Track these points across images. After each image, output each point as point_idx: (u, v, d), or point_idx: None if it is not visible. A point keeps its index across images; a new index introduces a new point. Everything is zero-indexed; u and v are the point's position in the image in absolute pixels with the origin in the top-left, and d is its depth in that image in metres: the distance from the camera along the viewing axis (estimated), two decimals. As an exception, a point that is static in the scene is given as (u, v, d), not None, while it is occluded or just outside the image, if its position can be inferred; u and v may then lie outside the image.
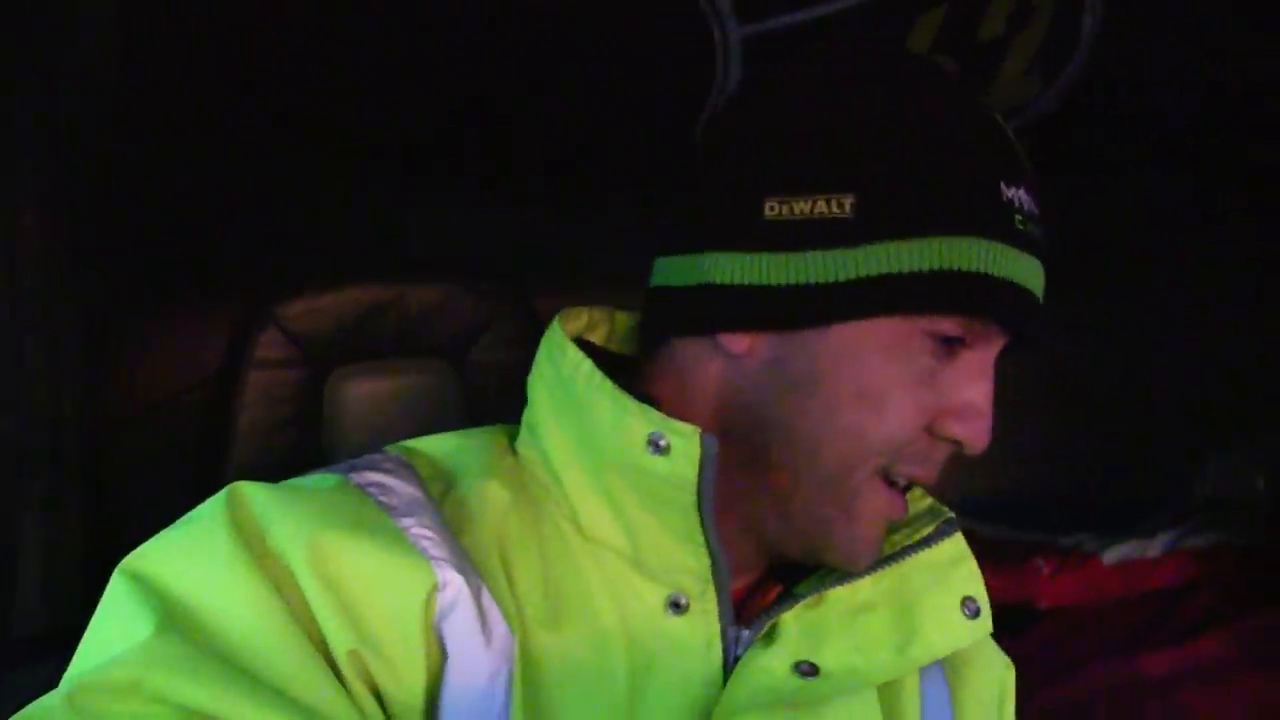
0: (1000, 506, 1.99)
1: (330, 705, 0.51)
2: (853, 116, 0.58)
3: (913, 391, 0.59)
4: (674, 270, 0.61)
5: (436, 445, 0.66)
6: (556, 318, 0.68)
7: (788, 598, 0.64)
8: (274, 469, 1.04)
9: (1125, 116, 1.73)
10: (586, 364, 0.61)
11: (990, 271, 0.57)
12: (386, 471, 0.61)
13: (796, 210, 0.56)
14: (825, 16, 1.28)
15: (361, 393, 1.04)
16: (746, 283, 0.58)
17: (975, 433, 0.60)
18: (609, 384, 0.60)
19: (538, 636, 0.58)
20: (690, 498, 0.58)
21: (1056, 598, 1.70)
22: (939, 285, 0.56)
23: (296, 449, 1.05)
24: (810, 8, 1.27)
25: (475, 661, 0.55)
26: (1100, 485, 2.08)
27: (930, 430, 0.60)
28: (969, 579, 0.68)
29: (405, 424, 1.07)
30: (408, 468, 0.63)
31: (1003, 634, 1.63)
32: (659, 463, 0.58)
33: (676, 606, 0.61)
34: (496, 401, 1.07)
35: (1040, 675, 1.51)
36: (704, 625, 0.61)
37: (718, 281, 0.58)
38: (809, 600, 0.64)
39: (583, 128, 1.40)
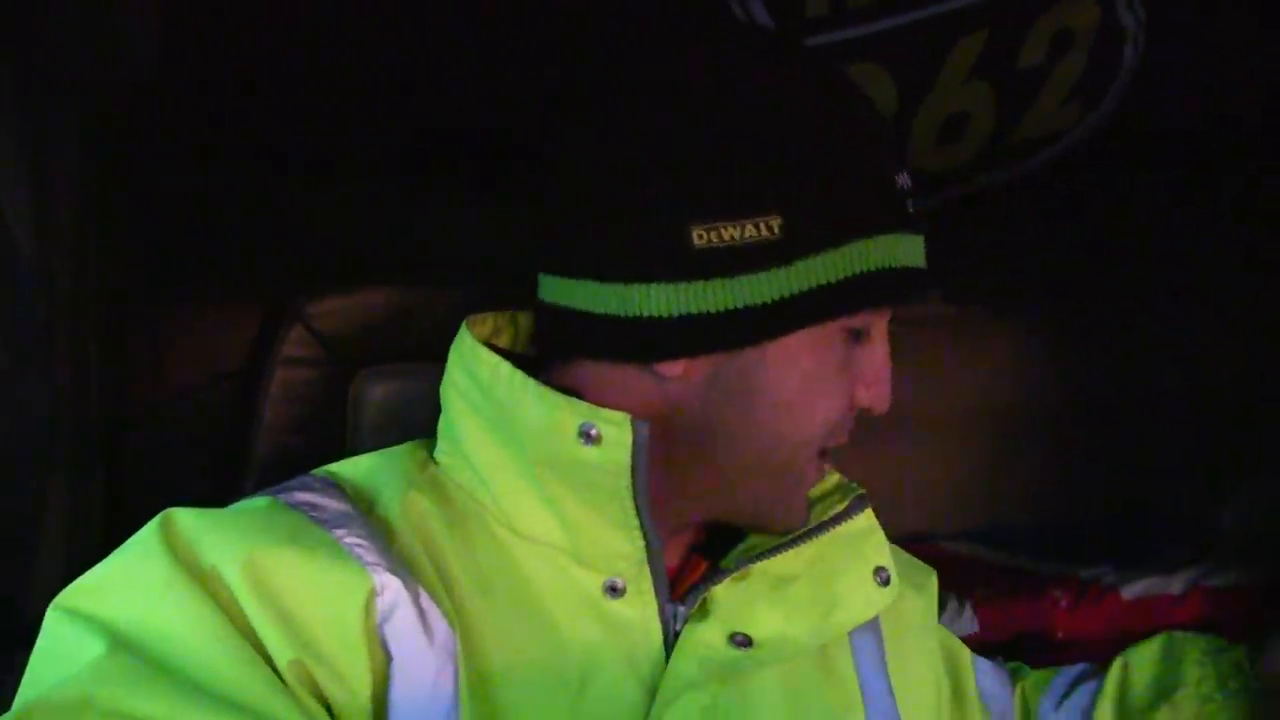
0: (1019, 535, 1.97)
1: (282, 713, 0.51)
2: (764, 134, 0.58)
3: (836, 382, 0.63)
4: (595, 297, 0.60)
5: (355, 467, 0.68)
6: (464, 324, 0.69)
7: (715, 572, 0.67)
8: (295, 467, 1.05)
9: (1160, 147, 1.72)
10: (504, 366, 0.62)
11: (897, 264, 0.61)
12: (314, 490, 0.63)
13: (725, 236, 0.57)
14: (865, 36, 1.28)
15: (386, 395, 1.05)
16: (681, 313, 0.58)
17: (882, 397, 0.66)
18: (531, 382, 0.61)
19: (479, 633, 0.59)
20: (624, 483, 0.59)
21: (1074, 630, 1.68)
22: (861, 287, 0.59)
23: (318, 448, 1.06)
24: (848, 28, 1.27)
25: (420, 662, 0.56)
26: (1122, 518, 2.06)
27: (852, 405, 0.66)
28: (879, 549, 0.72)
29: (428, 428, 1.07)
30: (334, 486, 0.64)
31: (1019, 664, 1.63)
32: (591, 452, 0.59)
33: (614, 590, 0.63)
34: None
35: (1054, 708, 1.50)
36: (641, 605, 0.63)
37: (651, 314, 0.58)
38: (736, 574, 0.67)
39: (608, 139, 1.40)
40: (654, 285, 0.58)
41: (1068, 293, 2.13)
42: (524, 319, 0.73)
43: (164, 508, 0.61)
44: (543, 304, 0.66)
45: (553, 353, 0.66)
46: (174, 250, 1.35)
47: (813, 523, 0.69)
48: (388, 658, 0.56)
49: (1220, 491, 2.02)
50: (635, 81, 0.61)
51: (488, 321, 0.71)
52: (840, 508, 0.71)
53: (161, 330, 1.41)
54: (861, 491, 0.73)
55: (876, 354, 0.64)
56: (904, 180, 0.62)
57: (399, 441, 1.10)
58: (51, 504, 1.00)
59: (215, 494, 1.07)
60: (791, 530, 0.68)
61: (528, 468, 0.62)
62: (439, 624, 0.57)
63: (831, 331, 0.61)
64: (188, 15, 1.10)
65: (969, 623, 1.65)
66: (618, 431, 0.58)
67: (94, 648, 0.51)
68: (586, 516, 0.61)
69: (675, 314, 0.58)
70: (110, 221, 1.12)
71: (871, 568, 0.71)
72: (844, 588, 0.69)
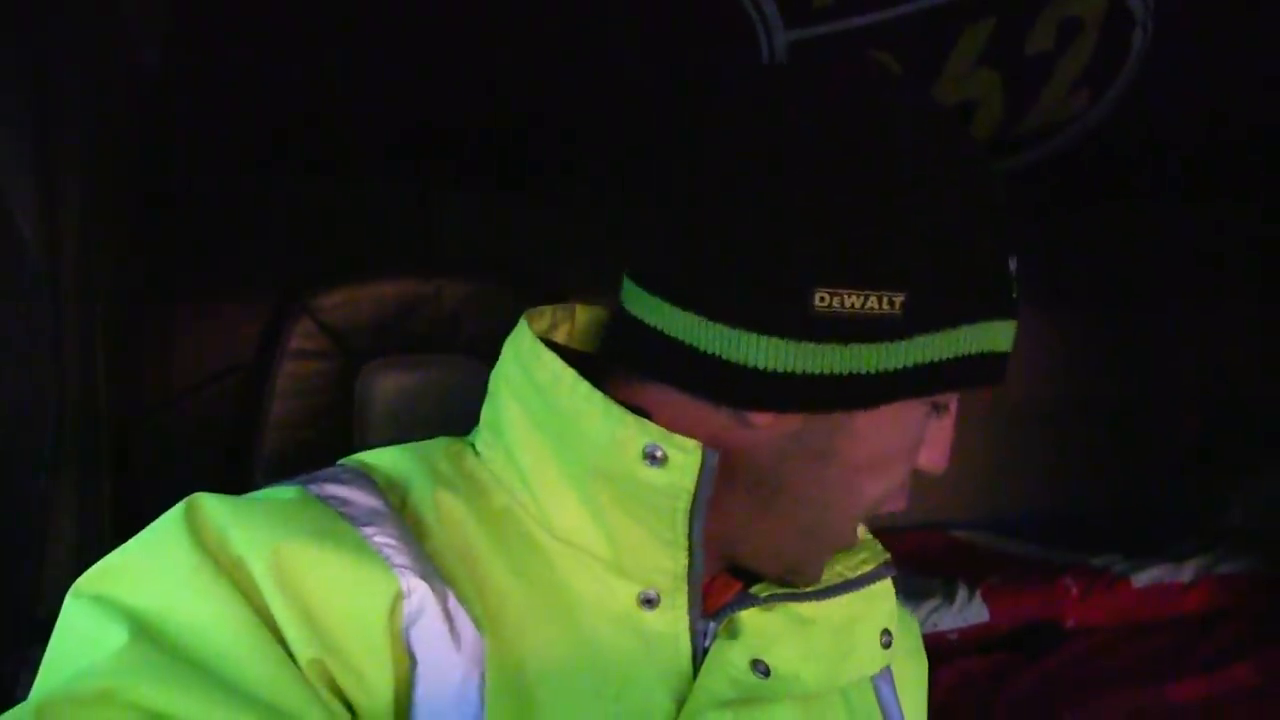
0: (1029, 524, 1.97)
1: (304, 710, 0.50)
2: (906, 209, 0.57)
3: (910, 451, 0.63)
4: (697, 332, 0.58)
5: (389, 458, 0.65)
6: (523, 318, 0.67)
7: (745, 597, 0.66)
8: (303, 459, 1.05)
9: (1169, 136, 1.71)
10: (569, 373, 0.60)
11: (998, 349, 0.61)
12: (344, 483, 0.61)
13: (847, 303, 0.56)
14: (873, 24, 1.27)
15: (393, 387, 1.04)
16: (787, 370, 0.57)
17: (940, 462, 0.65)
18: (599, 395, 0.59)
19: (508, 637, 0.58)
20: (684, 507, 0.59)
21: (1084, 618, 1.68)
22: (964, 369, 0.59)
23: (326, 440, 1.06)
24: (857, 15, 1.26)
25: (446, 667, 0.55)
26: (1131, 506, 2.06)
27: (908, 475, 0.65)
28: (890, 614, 0.73)
29: (435, 420, 1.07)
30: (365, 479, 0.62)
31: (1028, 652, 1.63)
32: (655, 474, 0.58)
33: (648, 602, 0.62)
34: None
35: (1065, 696, 1.50)
36: (674, 618, 0.62)
37: (756, 365, 0.57)
38: (764, 605, 0.66)
39: (621, 127, 1.40)
40: (766, 338, 0.57)
41: (1078, 287, 2.13)
42: (581, 314, 0.71)
43: (173, 501, 0.60)
44: (629, 316, 0.63)
45: (628, 367, 0.64)
46: (180, 246, 1.36)
47: (838, 579, 0.69)
48: (412, 662, 0.55)
49: (1230, 482, 2.02)
50: (784, 126, 0.58)
51: (545, 315, 0.69)
52: (867, 569, 0.71)
53: (169, 326, 1.41)
54: (888, 557, 0.73)
55: (946, 425, 0.65)
56: (1014, 265, 0.62)
57: (407, 432, 1.10)
58: (60, 501, 1.00)
59: (224, 489, 1.07)
60: (806, 586, 0.67)
61: (576, 474, 0.61)
62: (467, 629, 0.56)
63: (919, 406, 0.61)
64: (195, 12, 1.10)
65: (979, 611, 1.65)
66: (686, 458, 0.57)
67: (116, 637, 0.50)
68: (633, 531, 0.61)
69: (781, 370, 0.57)
70: (117, 219, 1.12)
71: (880, 629, 0.72)
72: (855, 643, 0.70)
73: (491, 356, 1.10)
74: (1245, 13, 1.42)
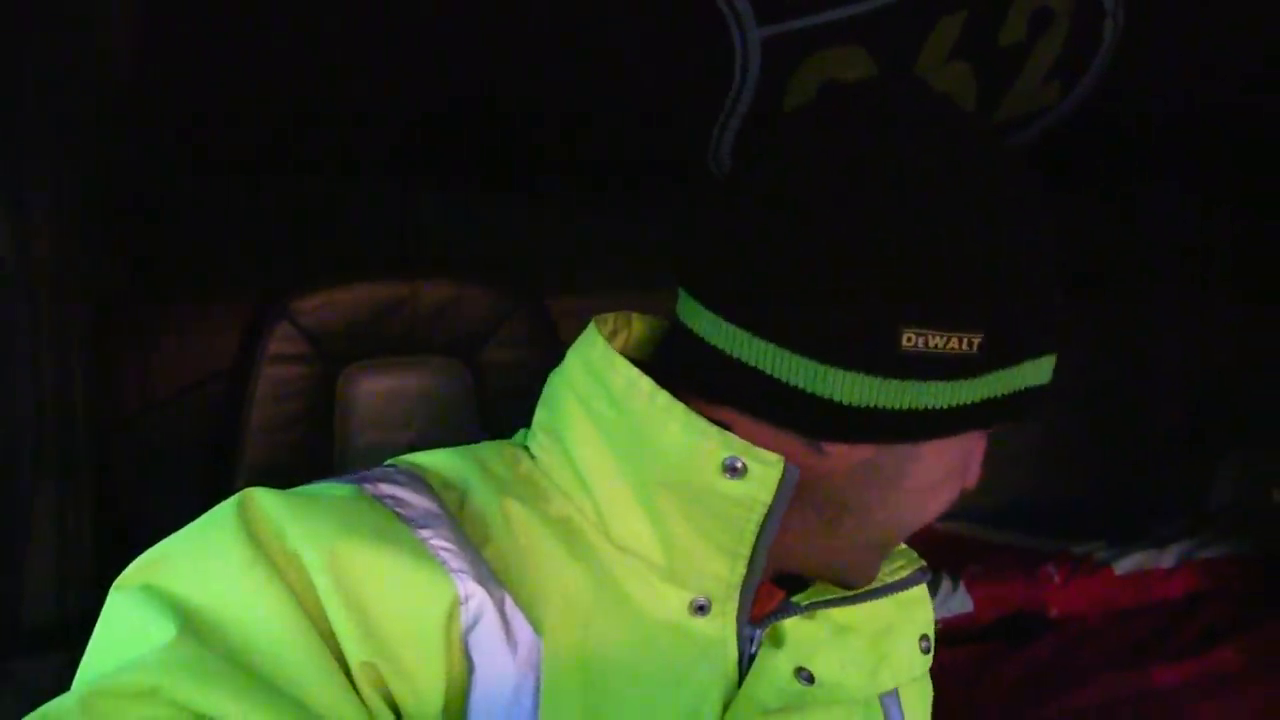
0: (1011, 512, 1.98)
1: (348, 718, 0.50)
2: (993, 254, 0.59)
3: (964, 471, 0.67)
4: (777, 362, 0.59)
5: (444, 460, 0.65)
6: (593, 323, 0.67)
7: (789, 606, 0.68)
8: (286, 464, 1.05)
9: (1142, 125, 1.72)
10: (646, 382, 0.61)
11: (1045, 382, 0.65)
12: (400, 484, 0.61)
13: (931, 343, 0.58)
14: (846, 19, 1.28)
15: (374, 389, 1.04)
16: (868, 405, 0.58)
17: (976, 476, 0.69)
18: (680, 406, 0.60)
19: (573, 638, 0.59)
20: (756, 519, 0.60)
21: (1067, 606, 1.69)
22: (1022, 401, 0.62)
23: (308, 445, 1.06)
24: (831, 10, 1.27)
25: (501, 672, 0.55)
26: (1113, 493, 2.07)
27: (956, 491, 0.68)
28: (927, 620, 0.76)
29: (417, 422, 1.07)
30: (419, 480, 0.62)
31: (1012, 641, 1.64)
32: (733, 485, 0.59)
33: (700, 609, 0.63)
34: (508, 400, 1.07)
35: (1050, 684, 1.51)
36: (722, 625, 0.63)
37: (837, 399, 0.58)
38: (806, 613, 0.68)
39: (597, 126, 1.40)
40: (849, 373, 0.58)
41: (1060, 276, 2.14)
42: (638, 324, 0.71)
43: (154, 510, 0.60)
44: (695, 336, 0.62)
45: (697, 389, 0.63)
46: (157, 251, 1.35)
47: (877, 583, 0.71)
48: (470, 667, 0.55)
49: (1211, 466, 2.04)
50: (879, 166, 0.58)
51: (608, 323, 0.69)
52: (904, 574, 0.73)
53: (147, 332, 1.40)
54: (923, 564, 0.76)
55: (984, 442, 0.68)
56: (1061, 300, 0.65)
57: (389, 434, 1.11)
58: (40, 509, 1.00)
59: (206, 495, 1.07)
60: (858, 588, 0.70)
61: (641, 481, 0.62)
62: (524, 633, 0.57)
63: (978, 433, 0.66)
64: (171, 12, 1.09)
65: (962, 601, 1.66)
66: (767, 470, 0.58)
67: (164, 630, 0.49)
68: (693, 540, 0.61)
69: (861, 404, 0.58)
70: (92, 224, 1.11)
71: (919, 634, 0.75)
72: (893, 648, 0.72)
73: (470, 357, 1.10)
74: (1216, 3, 1.43)
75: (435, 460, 0.65)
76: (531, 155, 1.45)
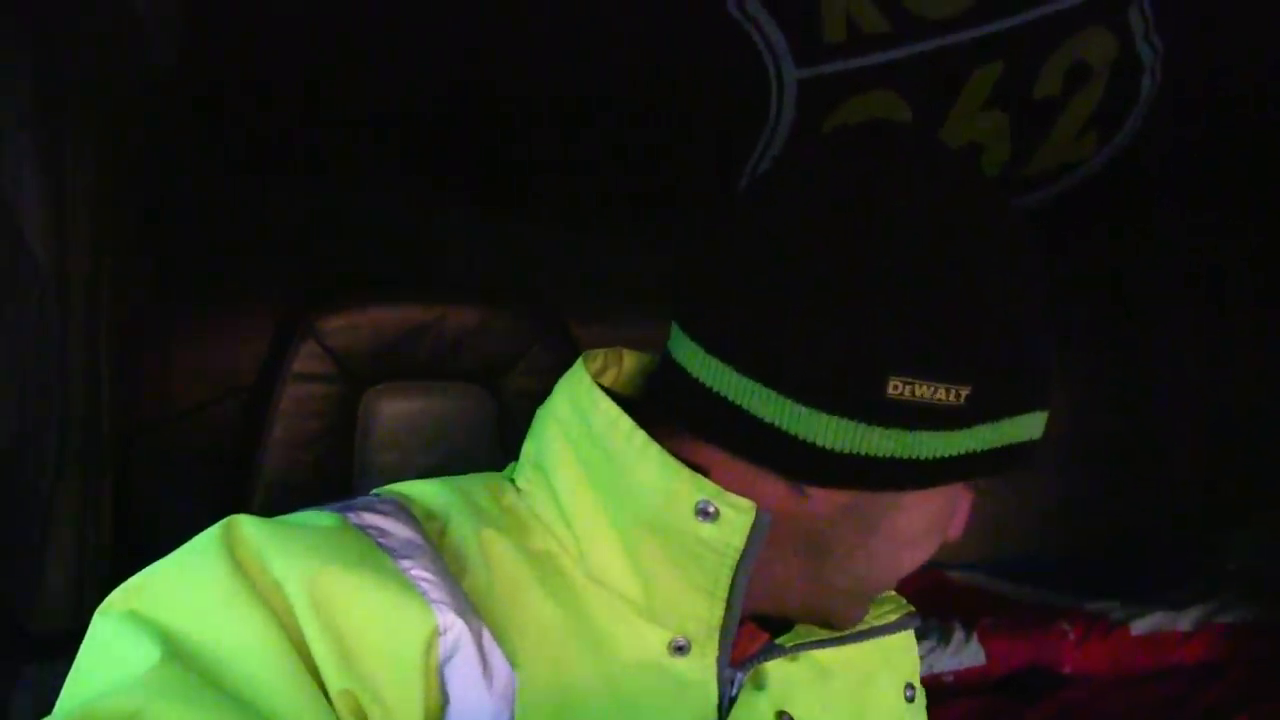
0: (1028, 566, 1.96)
1: None
2: (983, 307, 0.58)
3: (946, 525, 0.66)
4: (762, 402, 0.58)
5: (428, 490, 0.65)
6: (580, 359, 0.67)
7: (772, 648, 0.67)
8: (303, 481, 1.05)
9: (1172, 178, 1.72)
10: (625, 421, 0.61)
11: (1035, 437, 0.63)
12: (383, 514, 0.61)
13: (917, 393, 0.57)
14: (882, 64, 1.28)
15: (395, 412, 1.05)
16: (851, 451, 0.58)
17: (960, 533, 0.68)
18: (655, 448, 0.60)
19: (545, 673, 0.58)
20: (730, 563, 0.59)
21: (1081, 664, 1.67)
22: (1007, 455, 0.62)
23: (327, 463, 1.06)
24: (867, 55, 1.28)
25: (477, 705, 0.55)
26: (1130, 551, 2.05)
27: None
28: (913, 668, 0.76)
29: (437, 446, 1.07)
30: (404, 510, 0.62)
31: (1024, 696, 1.61)
32: (705, 528, 0.59)
33: (679, 650, 0.62)
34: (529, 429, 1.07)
35: (1061, 743, 1.49)
36: (702, 666, 0.62)
37: (821, 444, 0.58)
38: (789, 655, 0.67)
39: (633, 158, 1.41)
40: (834, 418, 0.57)
41: (1077, 325, 2.13)
42: (629, 360, 0.71)
43: (172, 520, 0.60)
44: (682, 371, 0.62)
45: (681, 423, 0.63)
46: (188, 263, 1.36)
47: (862, 626, 0.70)
48: (445, 699, 0.55)
49: (1229, 526, 2.01)
50: (876, 212, 0.59)
51: (597, 358, 0.69)
52: (891, 619, 0.72)
53: (174, 342, 1.41)
54: (912, 609, 0.74)
55: (968, 498, 0.67)
56: (1053, 358, 0.65)
57: (408, 457, 1.11)
58: (59, 515, 1.00)
59: (223, 507, 1.07)
60: (843, 630, 0.69)
61: (621, 519, 0.62)
62: (501, 666, 0.56)
63: (961, 485, 0.65)
64: (206, 26, 1.11)
65: (975, 654, 1.64)
66: (739, 516, 0.58)
67: (147, 656, 0.49)
68: (673, 580, 0.61)
69: (844, 449, 0.58)
70: (125, 234, 1.12)
71: (904, 682, 0.74)
72: (875, 694, 0.72)
73: (493, 384, 1.10)
74: (1252, 61, 1.43)
75: (420, 490, 0.65)
76: (567, 185, 1.46)
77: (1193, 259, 2.05)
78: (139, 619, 0.51)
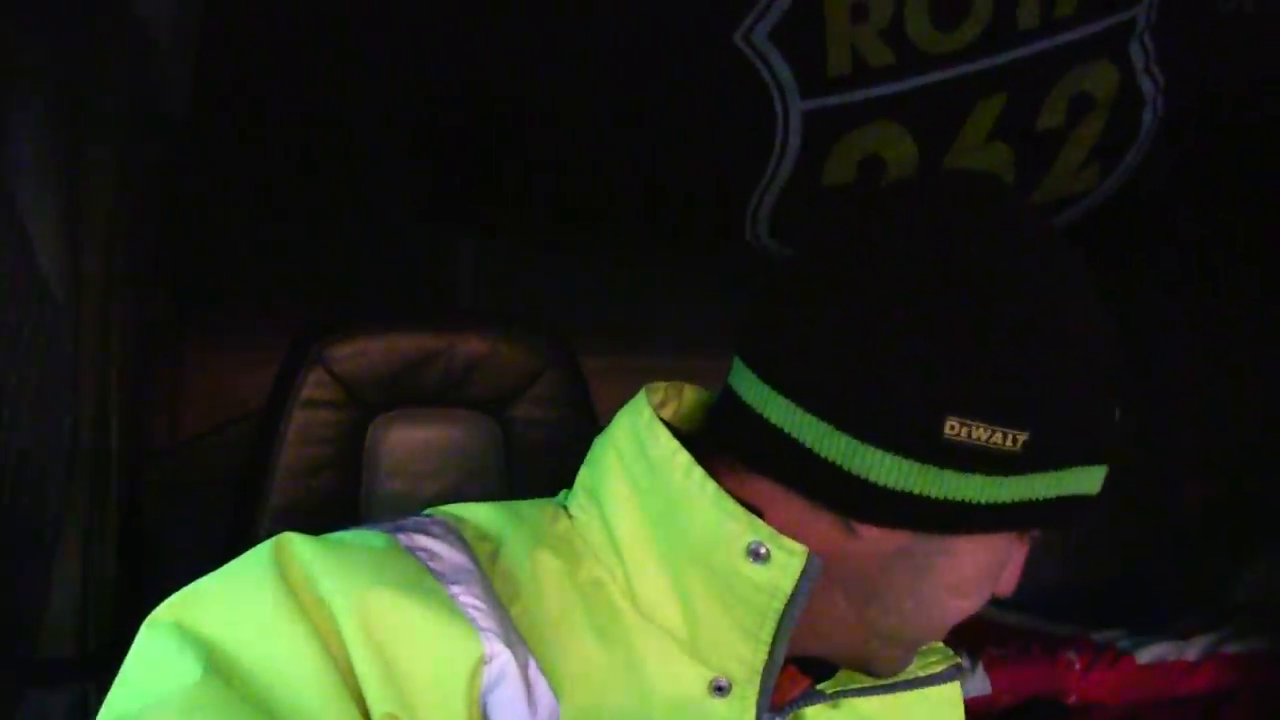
0: (1033, 595, 1.95)
1: None
2: (1045, 351, 0.58)
3: (996, 577, 0.64)
4: (819, 437, 0.59)
5: (483, 513, 0.66)
6: (643, 391, 0.67)
7: (813, 694, 0.67)
8: (311, 508, 1.05)
9: (1174, 210, 1.73)
10: (684, 456, 0.61)
11: (1092, 492, 0.63)
12: (435, 536, 0.61)
13: (974, 435, 0.57)
14: (887, 96, 1.30)
15: (403, 440, 1.05)
16: (905, 489, 0.58)
17: (1011, 588, 0.67)
18: (711, 485, 0.60)
19: (580, 706, 0.58)
20: (778, 606, 0.59)
21: (1087, 694, 1.66)
22: (1062, 508, 0.61)
23: (335, 491, 1.06)
24: (871, 86, 1.29)
25: None
26: (1136, 581, 2.04)
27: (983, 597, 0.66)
28: (958, 712, 0.75)
29: (445, 475, 1.07)
30: (455, 534, 0.62)
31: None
32: (756, 570, 0.59)
33: (719, 690, 0.62)
34: (537, 458, 1.07)
35: (1067, 774, 1.48)
36: (741, 709, 0.62)
37: (874, 480, 0.58)
38: (830, 702, 0.67)
39: (636, 189, 1.42)
40: (890, 455, 0.57)
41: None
42: (689, 394, 0.71)
43: (179, 545, 0.60)
44: (743, 404, 0.63)
45: (738, 456, 0.63)
46: (197, 289, 1.37)
47: (906, 676, 0.69)
48: None
49: (1239, 556, 2.01)
50: (942, 253, 0.59)
51: (659, 391, 0.69)
52: (937, 670, 0.72)
53: (183, 368, 1.42)
54: (959, 661, 0.74)
55: (1023, 552, 0.66)
56: (1119, 413, 0.64)
57: (416, 485, 1.11)
58: (66, 540, 1.01)
59: (231, 533, 1.07)
60: (885, 679, 0.68)
61: (671, 554, 0.62)
62: (545, 697, 0.57)
63: (1013, 533, 0.64)
64: (221, 57, 1.12)
65: (981, 683, 1.63)
66: (790, 559, 0.58)
67: (190, 670, 0.50)
68: (718, 619, 0.61)
69: (898, 488, 0.58)
70: (137, 261, 1.13)
71: None
72: None
73: (501, 414, 1.11)
74: (1253, 93, 1.44)
75: (474, 512, 0.65)
76: (569, 217, 1.47)
77: (1197, 290, 2.05)
78: (184, 632, 0.52)
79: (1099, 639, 1.74)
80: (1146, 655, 1.69)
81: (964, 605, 0.64)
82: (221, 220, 1.36)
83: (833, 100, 1.29)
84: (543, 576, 0.61)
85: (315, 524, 0.64)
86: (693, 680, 0.62)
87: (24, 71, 0.89)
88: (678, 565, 0.61)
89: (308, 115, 1.24)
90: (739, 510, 0.59)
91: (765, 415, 0.61)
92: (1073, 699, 1.66)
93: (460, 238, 1.54)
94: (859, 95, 1.29)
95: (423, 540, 0.60)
